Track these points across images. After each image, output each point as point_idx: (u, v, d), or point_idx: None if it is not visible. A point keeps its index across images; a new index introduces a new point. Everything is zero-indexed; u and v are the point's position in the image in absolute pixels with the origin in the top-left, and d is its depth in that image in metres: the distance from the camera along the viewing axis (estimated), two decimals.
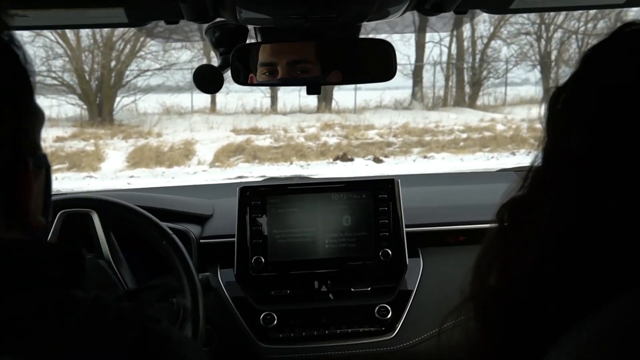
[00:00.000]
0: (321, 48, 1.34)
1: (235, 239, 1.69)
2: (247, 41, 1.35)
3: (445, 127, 14.08)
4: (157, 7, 1.16)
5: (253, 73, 1.34)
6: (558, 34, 17.59)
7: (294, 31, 1.30)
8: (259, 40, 1.33)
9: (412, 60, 17.85)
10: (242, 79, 1.32)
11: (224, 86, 1.36)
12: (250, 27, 1.32)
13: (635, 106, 0.55)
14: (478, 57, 18.02)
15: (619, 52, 0.60)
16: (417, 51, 17.63)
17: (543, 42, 17.51)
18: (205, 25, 1.31)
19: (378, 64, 1.34)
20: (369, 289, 1.70)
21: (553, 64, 17.25)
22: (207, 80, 1.32)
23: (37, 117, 0.68)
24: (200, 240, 1.72)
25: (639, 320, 0.50)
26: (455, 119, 14.90)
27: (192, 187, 2.47)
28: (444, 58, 18.15)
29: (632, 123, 0.55)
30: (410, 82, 17.87)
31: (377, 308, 1.66)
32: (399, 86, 17.33)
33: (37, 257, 0.64)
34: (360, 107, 16.33)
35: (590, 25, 16.61)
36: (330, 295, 1.68)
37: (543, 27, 17.40)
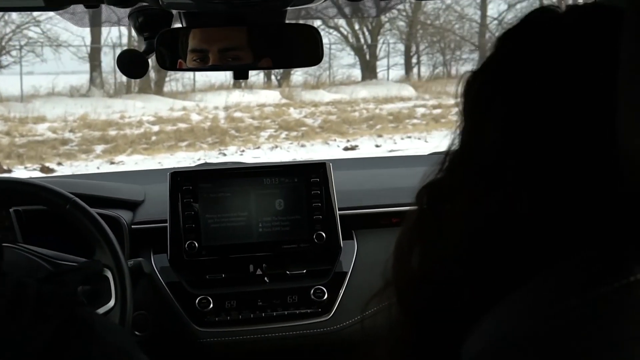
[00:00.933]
0: (252, 34, 1.33)
1: (167, 224, 1.68)
2: (172, 26, 1.34)
3: (132, 119, 12.44)
4: None
5: (182, 58, 1.33)
6: None
7: (218, 16, 1.29)
8: (184, 25, 1.32)
9: (87, 41, 16.33)
10: (168, 64, 1.31)
11: None
12: (175, 11, 1.31)
13: (550, 99, 0.56)
14: None
15: (534, 39, 0.60)
16: (93, 32, 15.45)
17: None
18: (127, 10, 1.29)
19: (305, 49, 1.34)
20: (304, 271, 1.71)
21: None
22: (131, 64, 1.30)
23: None
24: (132, 226, 1.71)
25: (525, 317, 0.51)
26: (142, 108, 13.33)
27: (122, 173, 2.45)
28: (124, 40, 16.37)
29: (546, 116, 0.55)
30: (87, 66, 16.15)
31: (312, 290, 1.68)
32: (75, 70, 15.94)
33: None
34: (28, 94, 13.95)
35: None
36: (266, 278, 1.68)
37: None
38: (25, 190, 1.47)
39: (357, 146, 10.66)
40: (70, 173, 7.81)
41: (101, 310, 1.34)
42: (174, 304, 1.63)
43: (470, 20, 20.12)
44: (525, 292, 0.53)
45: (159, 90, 15.72)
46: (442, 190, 0.63)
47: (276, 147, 10.60)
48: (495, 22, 19.47)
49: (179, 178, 1.69)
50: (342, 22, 17.81)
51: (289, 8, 1.28)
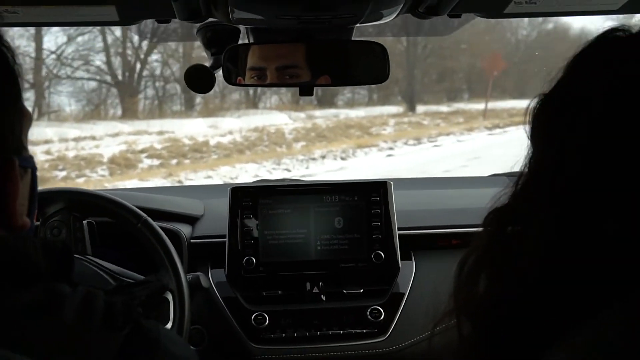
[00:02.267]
0: (310, 52, 1.33)
1: (226, 239, 1.68)
2: (240, 41, 1.35)
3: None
4: (148, 6, 1.15)
5: (241, 75, 1.34)
6: None
7: (286, 32, 1.29)
8: (251, 41, 1.33)
9: None
10: (233, 80, 1.32)
11: None
12: (243, 28, 1.32)
13: (626, 118, 0.55)
14: None
15: (604, 60, 0.59)
16: None
17: None
18: (197, 25, 1.31)
19: (369, 67, 1.33)
20: (361, 290, 1.69)
21: None
22: (198, 80, 1.31)
23: (24, 117, 0.68)
24: (191, 240, 1.72)
25: (631, 327, 0.50)
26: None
27: (183, 187, 2.48)
28: None
29: (624, 136, 0.54)
30: None
31: (369, 310, 1.65)
32: None
33: (23, 253, 0.63)
34: None
35: None
36: (322, 296, 1.67)
37: None
38: (102, 205, 1.51)
39: None
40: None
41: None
42: (229, 319, 1.63)
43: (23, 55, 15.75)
44: (602, 321, 0.52)
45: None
46: (512, 214, 0.62)
47: None
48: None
49: (239, 194, 1.70)
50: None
51: (357, 25, 1.28)
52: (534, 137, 0.63)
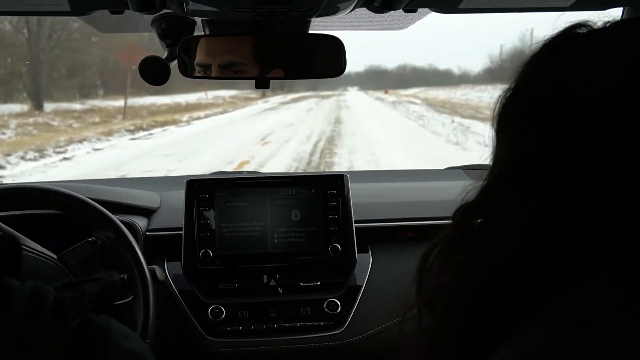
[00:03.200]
0: (262, 45, 1.32)
1: (182, 232, 1.67)
2: (195, 33, 1.33)
3: None
4: None
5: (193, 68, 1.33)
6: None
7: (242, 25, 1.28)
8: (207, 32, 1.31)
9: None
10: (189, 71, 1.31)
11: None
12: (198, 19, 1.31)
13: (592, 108, 0.56)
14: None
15: (570, 53, 0.60)
16: None
17: None
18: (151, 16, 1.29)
19: (324, 60, 1.33)
20: (318, 283, 1.70)
21: None
22: (153, 71, 1.30)
23: None
24: (147, 233, 1.70)
25: (587, 315, 0.51)
26: None
27: (138, 179, 2.45)
28: None
29: (589, 123, 0.56)
30: None
31: (326, 302, 1.66)
32: None
33: None
34: None
35: None
36: (279, 289, 1.67)
37: None
38: (76, 209, 1.47)
39: None
40: None
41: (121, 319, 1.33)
42: (186, 312, 1.62)
43: None
44: (558, 308, 0.54)
45: None
46: (481, 208, 0.63)
47: None
48: None
49: (196, 186, 1.68)
50: None
51: (313, 18, 1.27)
52: (499, 131, 0.64)
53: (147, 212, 1.78)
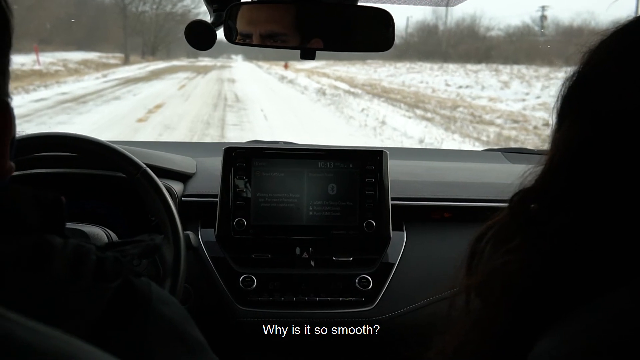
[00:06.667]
0: (304, 15, 1.30)
1: (218, 199, 1.67)
2: None
3: None
4: None
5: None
6: None
7: None
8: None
9: None
10: (234, 38, 1.29)
11: None
12: None
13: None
14: None
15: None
16: None
17: None
18: None
19: (370, 33, 1.30)
20: (351, 258, 1.69)
21: None
22: (199, 36, 1.28)
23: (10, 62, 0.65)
24: (182, 198, 1.70)
25: (634, 313, 0.51)
26: None
27: (176, 143, 2.44)
28: None
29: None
30: None
31: (357, 278, 1.65)
32: None
33: (13, 203, 0.61)
34: None
35: None
36: (312, 262, 1.67)
37: None
38: (98, 152, 1.46)
39: None
40: None
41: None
42: (217, 279, 1.62)
43: None
44: (606, 303, 0.53)
45: None
46: (538, 196, 0.62)
47: None
48: None
49: (234, 154, 1.67)
50: None
51: None
52: (565, 116, 0.62)
53: (183, 178, 1.78)
